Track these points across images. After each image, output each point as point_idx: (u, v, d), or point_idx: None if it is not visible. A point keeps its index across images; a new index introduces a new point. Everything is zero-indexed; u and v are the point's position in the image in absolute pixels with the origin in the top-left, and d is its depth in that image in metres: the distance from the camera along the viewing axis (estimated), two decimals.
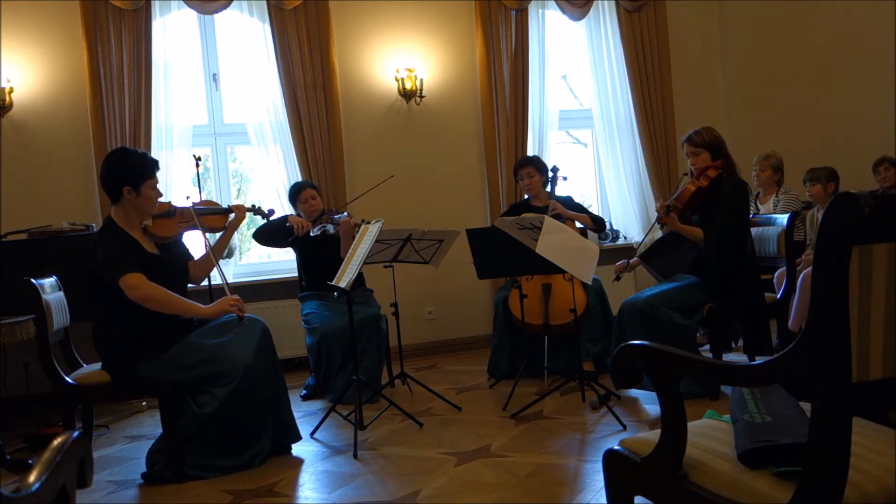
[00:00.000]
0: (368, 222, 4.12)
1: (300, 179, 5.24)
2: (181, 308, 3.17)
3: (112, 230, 3.17)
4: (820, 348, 1.30)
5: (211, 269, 3.56)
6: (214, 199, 5.21)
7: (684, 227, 3.76)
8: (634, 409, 3.71)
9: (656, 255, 4.06)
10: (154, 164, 3.22)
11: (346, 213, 3.85)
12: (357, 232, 3.74)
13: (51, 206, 4.80)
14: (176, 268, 3.33)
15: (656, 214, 3.83)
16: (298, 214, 4.64)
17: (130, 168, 3.14)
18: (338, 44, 5.36)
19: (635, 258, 4.07)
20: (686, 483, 1.55)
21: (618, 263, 4.04)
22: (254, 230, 4.59)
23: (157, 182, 3.23)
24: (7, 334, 3.55)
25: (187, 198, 3.61)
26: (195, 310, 3.19)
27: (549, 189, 4.63)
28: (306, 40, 5.26)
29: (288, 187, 5.28)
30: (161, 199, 3.32)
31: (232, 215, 3.63)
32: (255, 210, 3.95)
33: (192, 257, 3.54)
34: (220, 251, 3.55)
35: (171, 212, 3.40)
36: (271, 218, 4.15)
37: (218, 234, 3.62)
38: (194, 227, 3.45)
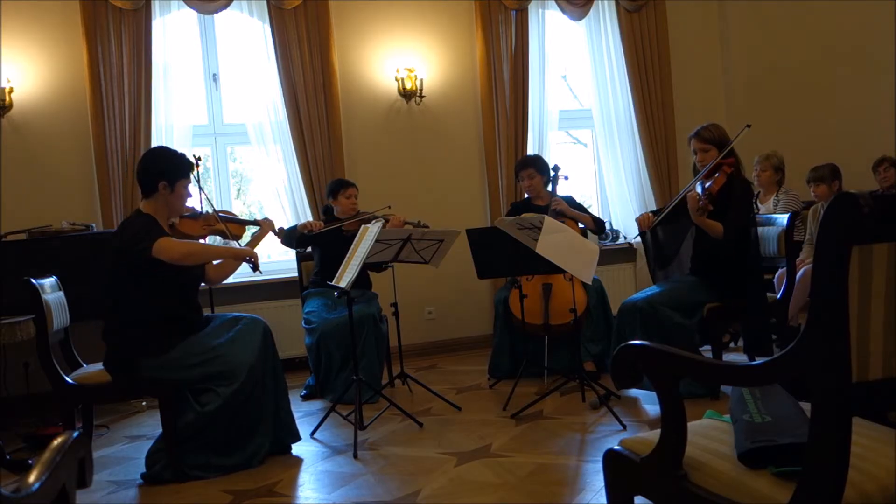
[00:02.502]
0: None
1: (296, 177, 5.25)
2: (217, 253, 3.39)
3: (141, 215, 3.22)
4: (820, 348, 1.30)
5: (228, 274, 3.61)
6: (214, 201, 5.23)
7: (707, 221, 3.71)
8: (634, 409, 3.72)
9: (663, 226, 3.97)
10: (190, 166, 3.34)
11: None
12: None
13: (51, 206, 4.80)
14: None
15: (695, 203, 3.63)
16: (330, 208, 4.66)
17: (171, 164, 3.25)
18: (338, 44, 5.36)
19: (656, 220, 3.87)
20: (686, 483, 1.55)
21: (643, 215, 3.90)
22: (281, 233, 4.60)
23: (190, 183, 3.33)
24: (7, 334, 3.55)
25: (211, 208, 3.74)
26: (229, 251, 3.40)
27: (550, 189, 4.63)
28: (306, 40, 5.26)
29: (288, 187, 5.30)
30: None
31: (255, 228, 3.71)
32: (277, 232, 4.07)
33: None
34: (238, 263, 3.59)
35: (196, 214, 3.53)
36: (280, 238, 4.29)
37: (240, 243, 3.69)
38: (218, 233, 3.57)
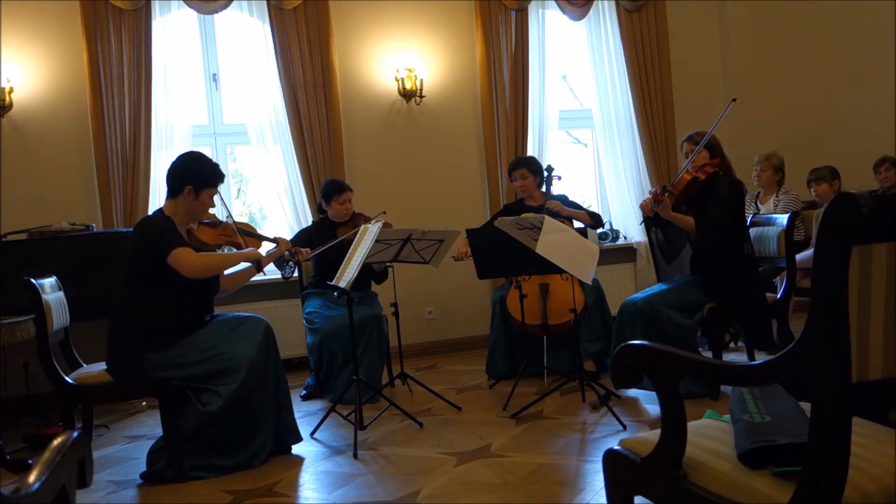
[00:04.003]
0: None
1: (296, 177, 5.24)
2: (228, 261, 3.36)
3: (163, 217, 3.24)
4: (820, 348, 1.30)
5: (241, 284, 3.61)
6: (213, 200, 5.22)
7: (676, 215, 3.74)
8: (634, 409, 3.71)
9: (667, 225, 3.99)
10: (220, 178, 3.33)
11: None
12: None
13: (51, 206, 4.80)
14: None
15: (649, 195, 3.77)
16: (324, 212, 4.62)
17: (200, 171, 3.26)
18: (338, 44, 5.36)
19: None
20: (686, 483, 1.55)
21: (645, 202, 3.83)
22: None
23: (215, 193, 3.34)
24: (7, 334, 3.56)
25: (228, 216, 3.69)
26: (236, 256, 3.39)
27: (543, 189, 4.63)
28: (306, 40, 5.26)
29: (288, 187, 5.30)
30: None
31: (272, 245, 3.67)
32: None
33: None
34: (251, 273, 3.59)
35: (216, 222, 3.52)
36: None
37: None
38: (233, 245, 3.55)
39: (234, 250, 3.54)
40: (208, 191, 3.27)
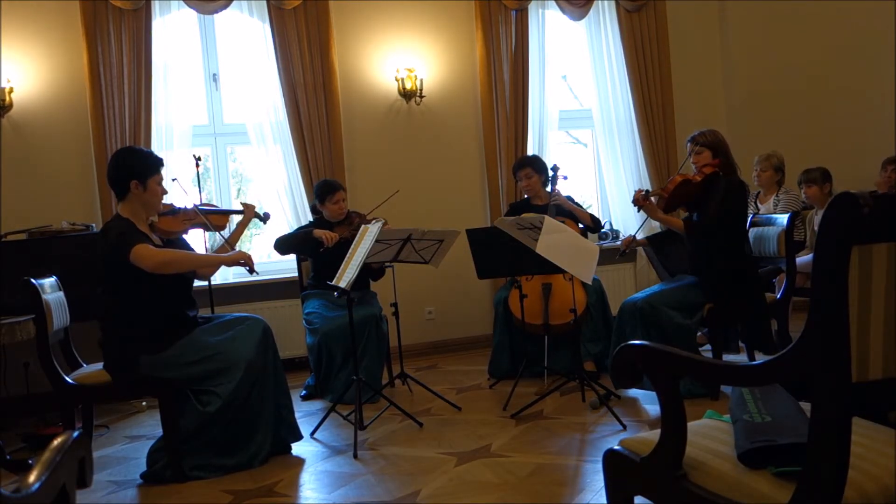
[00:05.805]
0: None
1: (296, 177, 5.24)
2: (202, 261, 3.36)
3: (119, 219, 3.20)
4: (820, 348, 1.30)
5: (219, 267, 3.57)
6: (214, 200, 5.23)
7: (664, 217, 3.79)
8: (634, 409, 3.72)
9: (664, 245, 4.08)
10: (160, 161, 3.29)
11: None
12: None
13: (51, 206, 4.80)
14: None
15: (635, 196, 3.87)
16: (320, 213, 4.62)
17: (139, 162, 3.22)
18: (338, 44, 5.36)
19: (643, 237, 4.05)
20: (686, 483, 1.55)
21: (625, 238, 4.12)
22: (274, 240, 4.54)
23: (162, 178, 3.29)
24: (7, 334, 3.55)
25: (194, 205, 3.65)
26: (215, 259, 3.37)
27: (549, 188, 4.64)
28: (306, 40, 5.26)
29: (288, 187, 5.29)
30: (164, 201, 3.39)
31: (239, 216, 3.68)
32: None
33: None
34: (233, 245, 3.59)
35: (175, 210, 3.48)
36: (267, 221, 4.08)
37: (223, 233, 3.64)
38: (199, 225, 3.52)
39: (202, 229, 3.50)
40: (154, 178, 3.23)
